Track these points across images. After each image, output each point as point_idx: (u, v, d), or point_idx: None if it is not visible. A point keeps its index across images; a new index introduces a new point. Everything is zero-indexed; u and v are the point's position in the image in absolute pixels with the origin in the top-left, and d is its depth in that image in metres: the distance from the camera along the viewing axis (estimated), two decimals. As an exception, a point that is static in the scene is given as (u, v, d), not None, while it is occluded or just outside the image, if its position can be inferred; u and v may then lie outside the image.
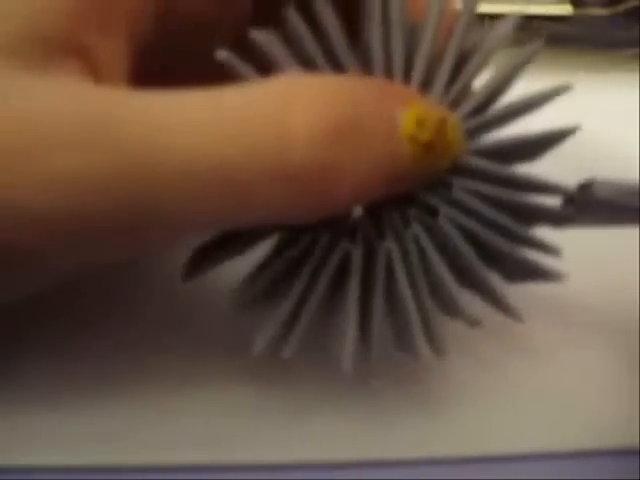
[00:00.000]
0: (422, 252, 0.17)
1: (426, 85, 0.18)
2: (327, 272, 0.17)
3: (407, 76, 0.18)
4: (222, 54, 0.16)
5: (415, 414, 0.19)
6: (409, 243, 0.17)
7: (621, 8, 0.29)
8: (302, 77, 0.16)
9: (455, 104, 0.18)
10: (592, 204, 0.17)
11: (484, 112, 0.18)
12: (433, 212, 0.17)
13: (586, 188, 0.17)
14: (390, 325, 0.18)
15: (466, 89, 0.18)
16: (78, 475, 0.18)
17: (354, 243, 0.17)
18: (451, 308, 0.17)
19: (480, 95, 0.18)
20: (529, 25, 0.30)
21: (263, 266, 0.17)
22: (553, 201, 0.18)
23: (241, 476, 0.18)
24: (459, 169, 0.17)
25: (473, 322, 0.17)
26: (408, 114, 0.16)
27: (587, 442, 0.19)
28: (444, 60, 0.18)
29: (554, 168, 0.18)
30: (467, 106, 0.18)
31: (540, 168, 0.18)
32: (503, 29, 0.18)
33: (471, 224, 0.17)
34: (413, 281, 0.17)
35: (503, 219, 0.17)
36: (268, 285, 0.17)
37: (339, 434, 0.19)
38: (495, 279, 0.18)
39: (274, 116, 0.14)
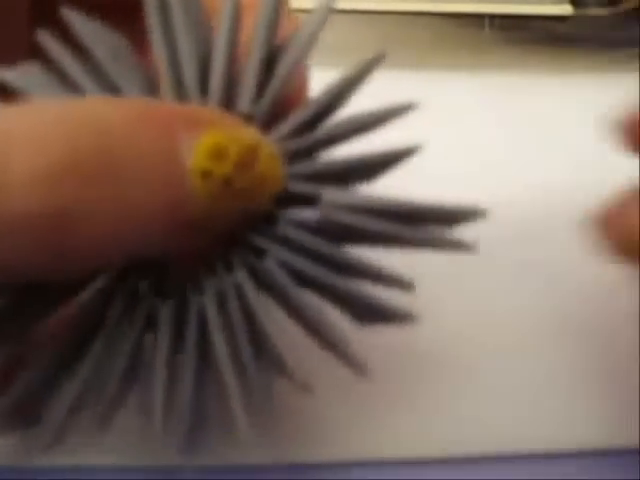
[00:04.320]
0: (245, 304, 0.14)
1: (229, 102, 0.15)
2: (128, 336, 0.14)
3: (204, 92, 0.15)
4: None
5: (414, 414, 0.19)
6: (229, 294, 0.14)
7: (621, 8, 0.29)
8: (32, 106, 0.13)
9: (269, 121, 0.15)
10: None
11: (312, 130, 0.15)
12: (260, 252, 0.15)
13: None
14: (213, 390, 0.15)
15: (278, 100, 0.15)
16: (79, 475, 0.18)
17: (162, 296, 0.14)
18: (279, 367, 0.14)
19: (308, 110, 0.15)
20: (529, 25, 0.30)
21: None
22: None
23: (237, 476, 0.18)
24: (285, 198, 0.14)
25: (304, 388, 0.14)
26: (199, 143, 0.13)
27: (587, 442, 0.19)
28: (247, 68, 0.15)
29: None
30: (289, 124, 0.15)
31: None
32: (313, 24, 0.15)
33: (300, 262, 0.14)
34: (233, 340, 0.14)
35: (337, 251, 0.14)
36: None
37: (339, 434, 0.19)
38: (337, 326, 0.14)
39: None
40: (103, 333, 0.14)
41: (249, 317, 0.14)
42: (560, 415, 0.19)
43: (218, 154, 0.13)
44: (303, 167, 0.15)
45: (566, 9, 0.30)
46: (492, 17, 0.30)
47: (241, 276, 0.14)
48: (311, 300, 0.14)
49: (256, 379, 0.14)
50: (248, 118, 0.15)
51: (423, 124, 0.17)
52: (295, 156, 0.15)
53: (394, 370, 0.19)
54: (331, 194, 0.14)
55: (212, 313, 0.14)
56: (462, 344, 0.20)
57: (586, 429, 0.19)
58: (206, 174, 0.13)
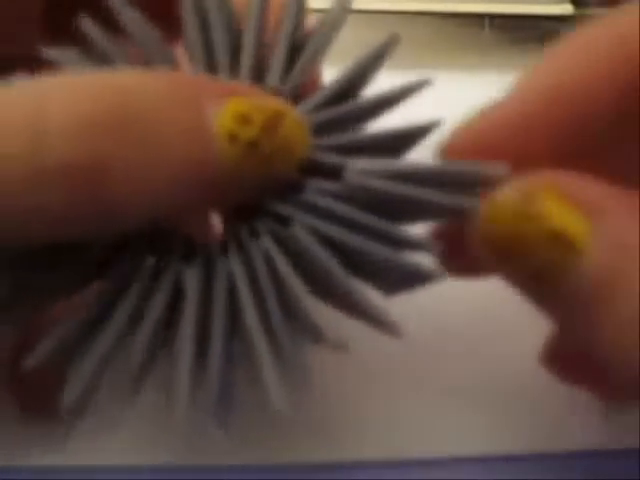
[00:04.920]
0: (272, 269, 0.14)
1: (259, 78, 0.16)
2: (155, 302, 0.14)
3: (235, 71, 0.16)
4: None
5: (412, 414, 0.19)
6: (256, 259, 0.14)
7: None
8: (67, 73, 0.14)
9: (297, 96, 0.16)
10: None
11: (337, 105, 0.16)
12: (286, 221, 0.15)
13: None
14: (241, 360, 0.15)
15: (305, 76, 0.16)
16: (80, 475, 0.18)
17: (189, 263, 0.15)
18: (311, 331, 0.14)
19: (332, 86, 0.16)
20: (529, 25, 0.30)
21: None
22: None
23: (239, 476, 0.18)
24: (311, 168, 0.15)
25: (338, 347, 0.14)
26: (226, 108, 0.13)
27: (588, 442, 0.19)
28: (276, 48, 0.16)
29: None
30: (316, 98, 0.15)
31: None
32: (337, 13, 0.16)
33: (328, 228, 0.14)
34: (262, 306, 0.14)
35: (365, 218, 0.14)
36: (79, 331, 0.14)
37: (341, 435, 0.19)
38: (365, 290, 0.15)
39: (28, 110, 0.12)
40: (128, 301, 0.14)
41: (278, 282, 0.14)
42: (560, 415, 0.19)
43: (244, 118, 0.13)
44: (329, 140, 0.15)
45: (566, 9, 0.30)
46: (492, 17, 0.30)
47: (267, 241, 0.15)
48: (339, 265, 0.14)
49: (288, 345, 0.14)
50: (276, 93, 0.15)
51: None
52: (320, 129, 0.15)
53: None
54: (357, 162, 0.14)
55: (240, 277, 0.14)
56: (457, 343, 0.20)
57: (585, 429, 0.19)
58: (232, 137, 0.13)
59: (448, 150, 0.15)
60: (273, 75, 0.16)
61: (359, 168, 0.14)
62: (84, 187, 0.12)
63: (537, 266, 0.13)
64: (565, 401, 0.19)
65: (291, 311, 0.14)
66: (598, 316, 0.12)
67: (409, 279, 0.15)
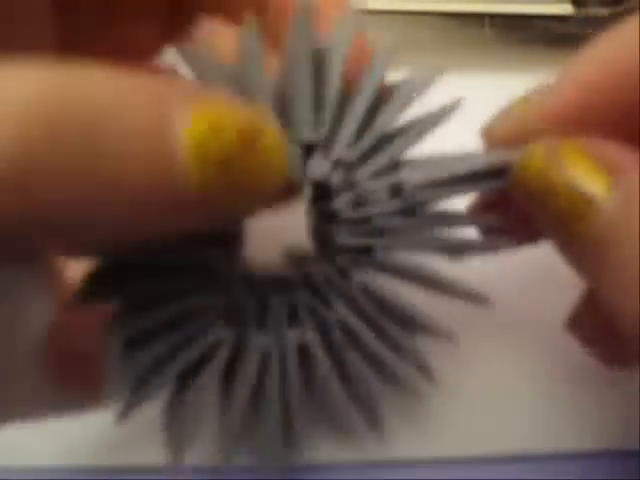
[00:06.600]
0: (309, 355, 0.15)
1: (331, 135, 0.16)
2: (244, 373, 0.15)
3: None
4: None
5: (412, 415, 0.19)
6: (332, 326, 0.15)
7: (622, 8, 0.29)
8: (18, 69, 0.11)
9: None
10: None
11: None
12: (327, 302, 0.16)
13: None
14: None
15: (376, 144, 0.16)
16: (79, 475, 0.18)
17: (264, 333, 0.15)
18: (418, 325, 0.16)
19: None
20: (529, 25, 0.30)
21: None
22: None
23: (240, 476, 0.18)
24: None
25: (446, 337, 0.16)
26: (195, 115, 0.11)
27: (587, 442, 0.19)
28: (352, 111, 0.16)
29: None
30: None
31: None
32: (417, 81, 0.16)
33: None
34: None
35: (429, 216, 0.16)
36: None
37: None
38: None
39: None
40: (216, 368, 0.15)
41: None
42: (560, 416, 0.19)
43: (217, 129, 0.11)
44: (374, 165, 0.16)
45: (567, 9, 0.30)
46: (493, 17, 0.30)
47: (341, 309, 0.15)
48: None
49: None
50: (342, 162, 0.16)
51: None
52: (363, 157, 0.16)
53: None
54: (413, 174, 0.16)
55: (316, 343, 0.15)
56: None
57: (586, 429, 0.19)
58: (201, 152, 0.11)
59: (491, 136, 0.17)
60: (344, 137, 0.16)
61: (410, 163, 0.16)
62: (9, 180, 0.10)
63: (558, 212, 0.14)
64: (565, 402, 0.19)
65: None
66: (604, 260, 0.13)
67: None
